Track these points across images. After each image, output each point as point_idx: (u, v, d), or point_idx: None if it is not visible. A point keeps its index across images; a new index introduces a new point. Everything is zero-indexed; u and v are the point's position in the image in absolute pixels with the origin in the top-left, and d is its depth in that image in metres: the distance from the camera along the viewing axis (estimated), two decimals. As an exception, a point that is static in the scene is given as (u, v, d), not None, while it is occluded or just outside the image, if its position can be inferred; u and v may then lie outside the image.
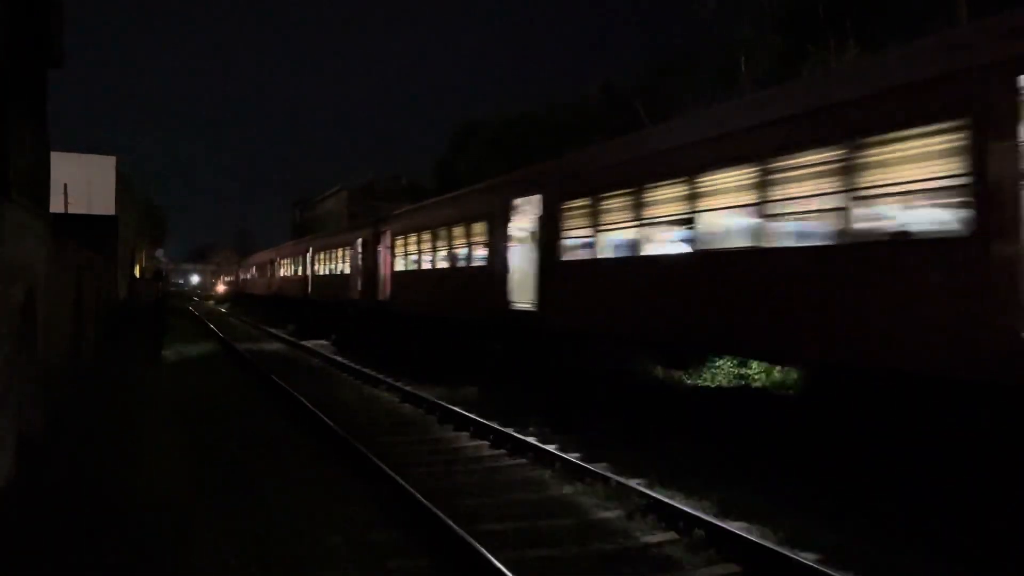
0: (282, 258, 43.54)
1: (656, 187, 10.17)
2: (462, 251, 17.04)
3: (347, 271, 27.46)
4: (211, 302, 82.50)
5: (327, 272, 31.34)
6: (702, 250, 9.33)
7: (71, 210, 34.17)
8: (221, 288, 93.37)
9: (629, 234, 10.72)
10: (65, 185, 34.91)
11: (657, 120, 26.08)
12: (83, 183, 41.54)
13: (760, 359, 11.81)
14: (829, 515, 7.14)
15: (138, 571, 5.71)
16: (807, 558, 5.88)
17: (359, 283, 25.57)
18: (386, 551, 6.39)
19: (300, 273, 37.02)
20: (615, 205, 11.05)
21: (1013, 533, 6.29)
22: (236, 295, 69.45)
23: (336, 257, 29.74)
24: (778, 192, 8.22)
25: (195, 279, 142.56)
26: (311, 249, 35.20)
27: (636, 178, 10.54)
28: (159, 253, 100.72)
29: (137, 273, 60.35)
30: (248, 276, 61.37)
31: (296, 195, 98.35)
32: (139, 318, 26.53)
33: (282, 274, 42.79)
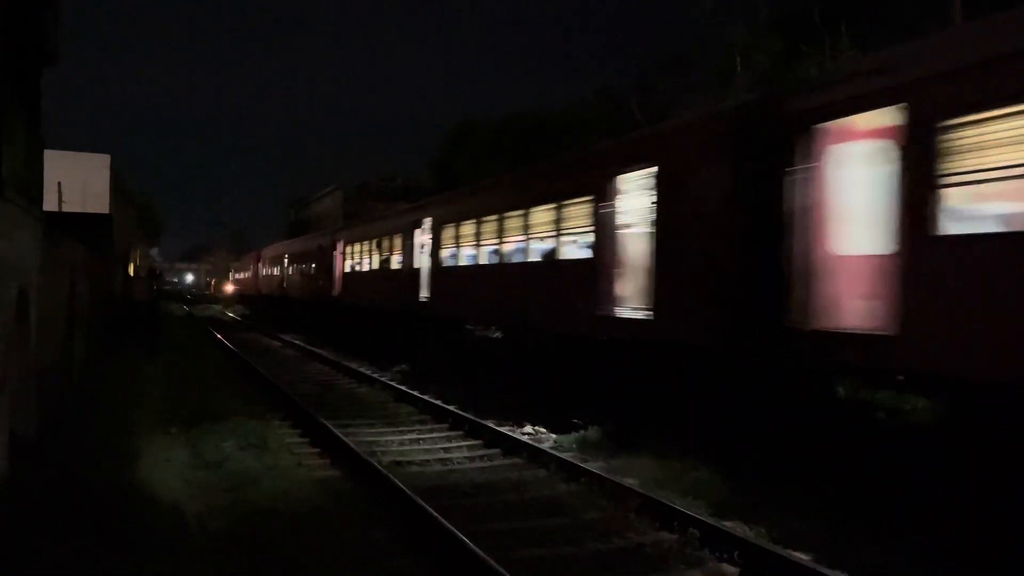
0: (352, 242, 27.13)
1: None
2: None
3: (584, 255, 12.48)
4: (217, 306, 64.76)
5: (484, 261, 16.25)
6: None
7: (65, 209, 34.07)
8: (230, 288, 71.59)
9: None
10: (59, 183, 34.87)
11: (651, 120, 26.14)
12: (78, 182, 41.48)
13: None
14: (823, 514, 7.15)
15: (130, 570, 5.69)
16: (802, 557, 5.89)
17: (655, 284, 10.69)
18: None
19: (400, 263, 21.39)
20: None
21: (1005, 530, 6.30)
22: (256, 298, 51.02)
23: (520, 227, 14.61)
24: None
25: (189, 278, 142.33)
26: (428, 222, 19.32)
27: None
28: (154, 252, 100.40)
29: (132, 272, 60.15)
30: (276, 272, 43.17)
31: (291, 195, 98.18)
32: (135, 316, 26.11)
33: (354, 267, 26.84)
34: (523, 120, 39.54)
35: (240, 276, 64.88)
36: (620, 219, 11.57)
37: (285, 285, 39.70)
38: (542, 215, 13.82)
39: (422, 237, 19.79)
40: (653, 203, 10.57)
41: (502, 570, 5.51)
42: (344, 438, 9.99)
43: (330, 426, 10.73)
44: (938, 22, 18.15)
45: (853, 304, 7.73)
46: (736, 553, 6.13)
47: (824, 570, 5.58)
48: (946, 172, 6.67)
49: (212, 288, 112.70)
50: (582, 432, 10.68)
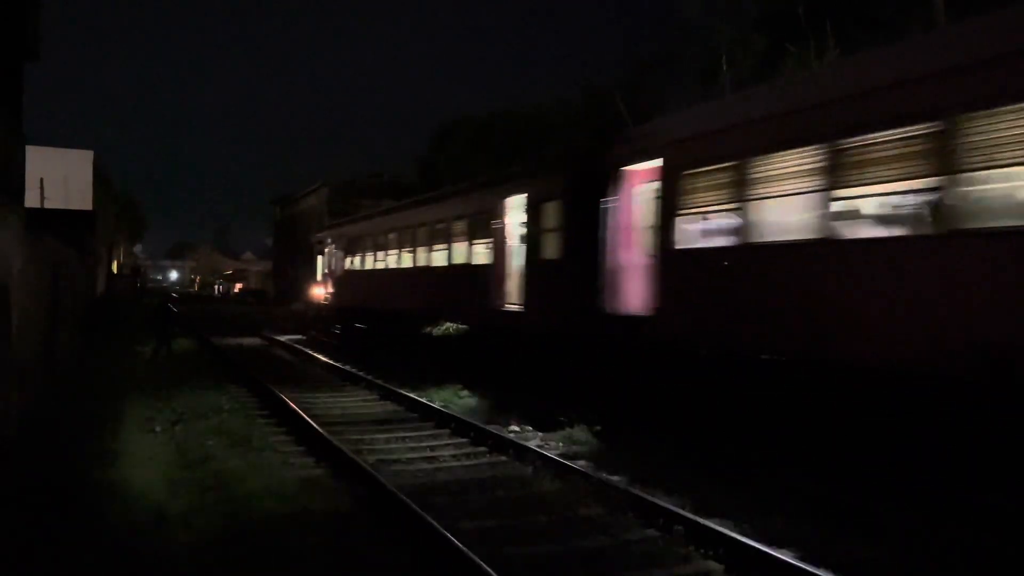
0: None
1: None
2: None
3: None
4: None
5: None
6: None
7: (47, 205, 33.78)
8: (320, 292, 29.81)
9: None
10: (41, 180, 34.52)
11: (639, 118, 26.18)
12: (60, 178, 41.08)
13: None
14: (809, 511, 7.19)
15: (111, 568, 5.65)
16: (787, 554, 5.91)
17: None
18: None
19: None
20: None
21: (993, 527, 6.35)
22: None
23: None
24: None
25: (174, 275, 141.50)
26: None
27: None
28: (137, 249, 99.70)
29: (115, 269, 59.72)
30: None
31: (276, 192, 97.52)
32: (118, 313, 25.80)
33: None
34: (510, 118, 39.53)
35: (366, 265, 24.14)
36: None
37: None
38: None
39: None
40: None
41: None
42: None
43: None
44: (922, 21, 18.29)
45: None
46: (721, 550, 6.15)
47: (808, 567, 5.60)
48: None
49: (197, 286, 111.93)
50: None
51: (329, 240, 28.72)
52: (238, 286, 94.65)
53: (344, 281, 26.12)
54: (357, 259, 24.67)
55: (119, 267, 66.21)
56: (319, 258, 31.20)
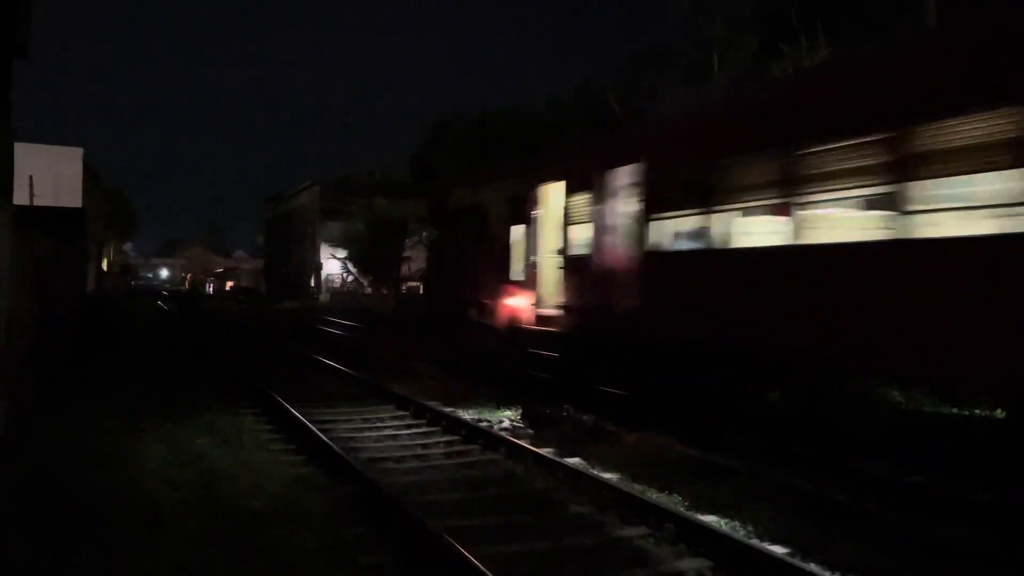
0: None
1: None
2: None
3: None
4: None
5: None
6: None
7: (37, 202, 33.65)
8: (521, 303, 13.73)
9: None
10: (31, 177, 34.36)
11: (632, 117, 26.23)
12: (49, 175, 40.90)
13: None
14: (800, 509, 7.22)
15: (104, 567, 5.63)
16: (777, 552, 5.93)
17: None
18: None
19: None
20: None
21: (988, 528, 6.40)
22: None
23: None
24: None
25: (164, 273, 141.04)
26: None
27: None
28: (128, 247, 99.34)
29: (105, 267, 59.49)
30: None
31: (268, 190, 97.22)
32: (109, 311, 25.60)
33: None
34: (503, 116, 39.47)
35: (782, 237, 8.35)
36: None
37: None
38: None
39: None
40: None
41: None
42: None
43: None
44: (913, 20, 18.34)
45: None
46: (711, 547, 6.16)
47: (797, 563, 5.62)
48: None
49: (187, 284, 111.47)
50: None
51: (545, 190, 13.69)
52: (229, 284, 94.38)
53: (638, 281, 10.97)
54: (692, 222, 10.10)
55: (109, 265, 65.97)
56: (511, 231, 14.81)
